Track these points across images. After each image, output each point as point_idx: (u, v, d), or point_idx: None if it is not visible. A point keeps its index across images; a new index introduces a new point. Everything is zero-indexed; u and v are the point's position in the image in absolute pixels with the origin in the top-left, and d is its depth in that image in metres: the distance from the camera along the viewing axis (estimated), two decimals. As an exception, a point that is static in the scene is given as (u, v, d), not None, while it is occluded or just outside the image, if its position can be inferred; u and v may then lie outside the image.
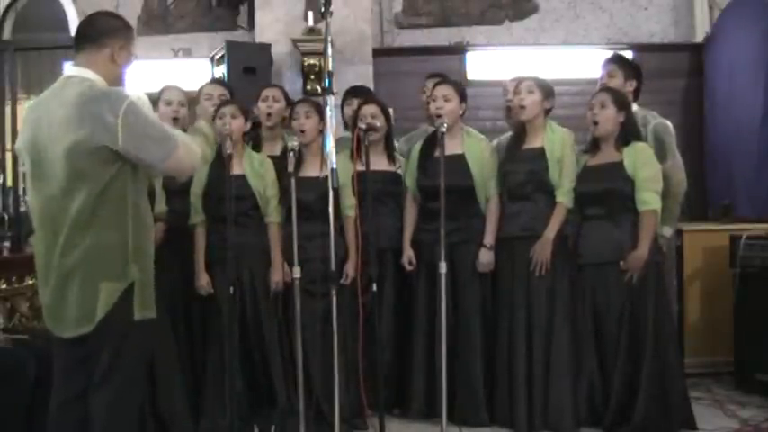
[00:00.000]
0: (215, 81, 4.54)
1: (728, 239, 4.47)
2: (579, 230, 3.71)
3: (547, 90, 3.76)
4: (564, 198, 3.67)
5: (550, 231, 3.63)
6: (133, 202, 2.37)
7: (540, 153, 3.70)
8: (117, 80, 2.45)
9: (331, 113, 3.00)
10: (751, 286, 4.27)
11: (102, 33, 2.40)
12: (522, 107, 3.72)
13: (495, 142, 4.09)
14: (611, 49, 5.60)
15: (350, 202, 3.66)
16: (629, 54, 6.00)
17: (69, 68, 2.43)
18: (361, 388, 3.52)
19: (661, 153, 3.78)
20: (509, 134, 4.04)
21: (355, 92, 4.42)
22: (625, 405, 3.50)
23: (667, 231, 3.86)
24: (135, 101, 2.32)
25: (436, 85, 3.90)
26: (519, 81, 3.80)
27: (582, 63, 6.02)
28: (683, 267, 4.67)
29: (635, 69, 4.07)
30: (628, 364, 3.52)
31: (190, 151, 2.47)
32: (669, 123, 4.00)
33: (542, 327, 3.62)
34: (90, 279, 2.30)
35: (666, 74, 6.11)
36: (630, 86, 3.95)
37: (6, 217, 5.37)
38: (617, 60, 4.08)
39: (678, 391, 3.57)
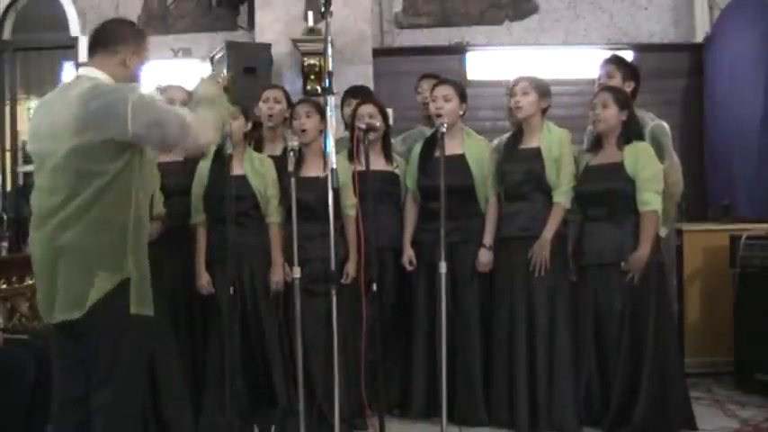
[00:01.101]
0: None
1: (728, 239, 4.47)
2: (581, 231, 3.71)
3: (543, 90, 3.76)
4: (561, 198, 3.67)
5: (548, 232, 3.63)
6: (136, 197, 2.38)
7: (537, 153, 3.71)
8: (130, 80, 2.48)
9: (331, 113, 3.00)
10: (751, 286, 4.28)
11: (115, 41, 2.46)
12: (518, 108, 3.73)
13: (495, 141, 4.09)
14: (611, 49, 5.60)
15: (351, 201, 3.67)
16: (629, 54, 6.02)
17: (80, 69, 2.50)
18: (361, 388, 3.52)
19: (658, 154, 3.78)
20: (509, 134, 4.04)
21: (354, 92, 4.42)
22: (625, 405, 3.50)
23: (663, 232, 3.85)
24: (140, 89, 2.36)
25: (436, 85, 3.91)
26: (514, 82, 3.81)
27: (582, 63, 6.02)
28: (683, 267, 4.67)
29: (633, 70, 4.07)
30: (629, 365, 3.52)
31: (204, 124, 2.46)
32: (665, 124, 4.00)
33: (544, 327, 3.63)
34: (82, 264, 2.31)
35: (666, 74, 6.10)
36: (629, 87, 3.95)
37: (6, 217, 5.37)
38: (615, 61, 4.08)
39: (678, 391, 3.57)
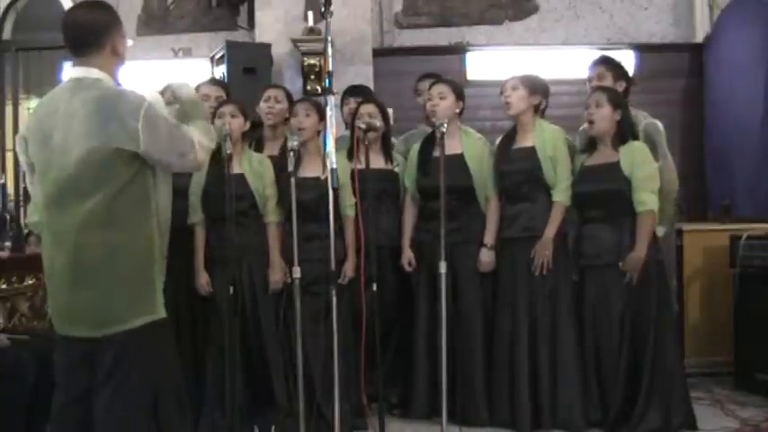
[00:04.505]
0: (212, 81, 4.52)
1: (728, 239, 4.47)
2: (580, 231, 3.71)
3: (534, 86, 3.77)
4: (560, 197, 3.68)
5: (550, 231, 3.64)
6: (157, 201, 2.35)
7: (532, 151, 3.72)
8: (118, 70, 2.41)
9: (331, 113, 2.99)
10: (751, 286, 4.27)
11: (97, 32, 2.35)
12: (507, 104, 3.75)
13: (498, 141, 4.09)
14: (611, 49, 5.60)
15: (350, 201, 3.67)
16: (629, 54, 6.04)
17: (75, 70, 2.37)
18: (361, 388, 3.52)
19: (652, 153, 3.77)
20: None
21: (354, 91, 4.42)
22: (626, 405, 3.51)
23: (660, 231, 3.85)
24: (152, 102, 2.30)
25: (433, 83, 3.92)
26: (506, 80, 3.82)
27: (582, 63, 5.98)
28: (683, 267, 4.67)
29: (623, 70, 4.06)
30: (629, 365, 3.52)
31: (203, 144, 2.43)
32: (659, 123, 3.99)
33: (546, 326, 3.63)
34: (115, 280, 2.27)
35: (666, 74, 6.12)
36: (620, 87, 3.94)
37: (8, 217, 5.36)
38: (605, 62, 4.06)
39: (678, 391, 3.57)
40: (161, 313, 2.37)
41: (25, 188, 6.43)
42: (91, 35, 2.35)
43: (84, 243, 2.26)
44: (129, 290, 2.29)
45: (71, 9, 2.44)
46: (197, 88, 4.14)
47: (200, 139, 2.44)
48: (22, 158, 2.46)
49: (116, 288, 2.28)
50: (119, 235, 2.27)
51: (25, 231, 4.16)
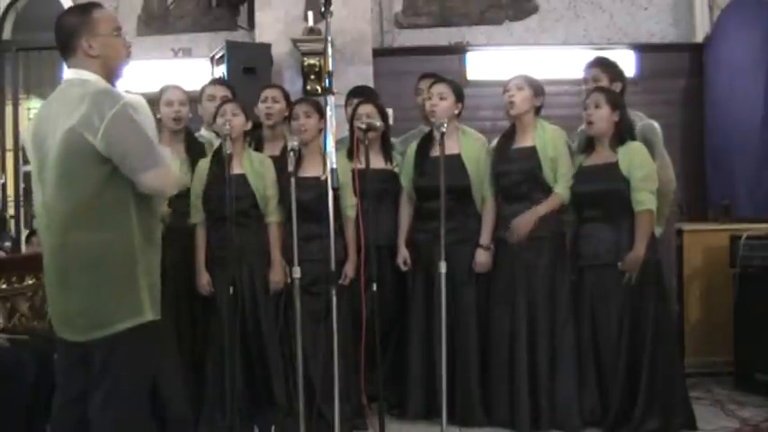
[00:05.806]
0: (217, 81, 4.52)
1: (728, 239, 4.47)
2: (578, 231, 3.71)
3: (536, 87, 3.77)
4: (561, 189, 3.67)
5: (541, 209, 3.63)
6: (136, 203, 2.33)
7: (532, 151, 3.71)
8: (112, 70, 2.40)
9: (331, 113, 2.99)
10: (751, 286, 4.27)
11: (68, 37, 2.36)
12: (512, 103, 3.74)
13: (494, 142, 4.09)
14: (611, 49, 5.60)
15: (350, 201, 3.67)
16: (629, 54, 6.04)
17: (68, 72, 2.40)
18: (361, 388, 3.51)
19: (650, 154, 3.77)
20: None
21: (357, 92, 4.41)
22: (625, 405, 3.51)
23: (657, 231, 3.84)
24: (129, 104, 2.25)
25: (433, 83, 3.92)
26: (509, 80, 3.82)
27: (582, 63, 6.00)
28: (683, 267, 4.66)
29: (619, 70, 4.06)
30: (628, 365, 3.52)
31: (168, 174, 2.36)
32: (655, 123, 3.98)
33: (544, 326, 3.63)
34: (100, 281, 2.27)
35: (666, 74, 6.13)
36: (616, 88, 3.94)
37: (7, 217, 5.38)
38: (600, 63, 4.05)
39: (678, 391, 3.57)
40: (148, 316, 2.35)
41: (25, 188, 6.46)
42: (65, 39, 2.38)
43: (69, 244, 2.28)
44: (114, 291, 2.29)
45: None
46: (202, 90, 4.16)
47: (170, 163, 2.40)
48: (31, 166, 2.47)
49: (102, 290, 2.28)
50: (101, 236, 2.27)
51: (26, 232, 4.16)
